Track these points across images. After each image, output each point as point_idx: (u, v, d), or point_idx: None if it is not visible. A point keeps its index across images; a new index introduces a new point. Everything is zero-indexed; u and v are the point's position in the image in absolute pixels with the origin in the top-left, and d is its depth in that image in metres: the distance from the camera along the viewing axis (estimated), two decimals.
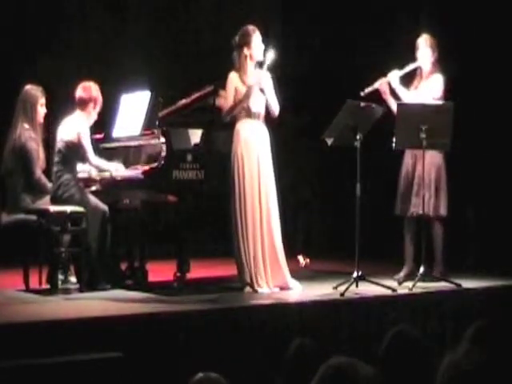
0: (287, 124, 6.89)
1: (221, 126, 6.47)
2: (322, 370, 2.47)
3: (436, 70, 6.91)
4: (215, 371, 2.94)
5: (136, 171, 6.39)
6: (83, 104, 6.43)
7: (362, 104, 6.38)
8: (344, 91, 6.83)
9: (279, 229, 6.38)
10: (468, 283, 6.60)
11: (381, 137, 6.66)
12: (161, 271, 6.82)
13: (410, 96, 6.84)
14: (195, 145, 6.50)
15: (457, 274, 6.80)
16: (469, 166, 7.18)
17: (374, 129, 6.47)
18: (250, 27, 6.39)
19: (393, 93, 6.84)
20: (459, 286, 6.49)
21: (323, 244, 8.88)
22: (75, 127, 6.37)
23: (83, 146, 6.35)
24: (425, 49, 6.91)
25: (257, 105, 6.35)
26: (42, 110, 6.64)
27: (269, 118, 6.44)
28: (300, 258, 7.80)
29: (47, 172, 6.57)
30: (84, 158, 6.41)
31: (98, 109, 6.49)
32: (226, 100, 6.39)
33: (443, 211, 6.86)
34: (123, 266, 6.75)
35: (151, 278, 6.73)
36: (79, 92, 6.45)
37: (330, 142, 6.51)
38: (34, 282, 6.38)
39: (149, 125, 6.53)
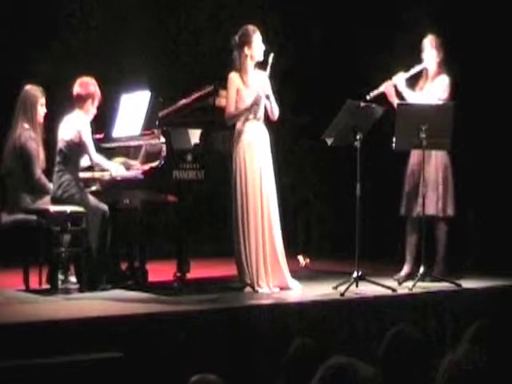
0: (287, 124, 6.88)
1: (221, 126, 6.47)
2: (322, 370, 2.47)
3: (442, 71, 6.91)
4: (215, 371, 2.94)
5: (136, 171, 6.39)
6: (81, 100, 6.42)
7: (362, 104, 6.38)
8: (344, 91, 6.84)
9: (279, 229, 6.38)
10: (468, 283, 6.60)
11: (381, 137, 6.66)
12: (161, 271, 6.82)
13: (415, 98, 6.84)
14: (195, 145, 6.50)
15: (457, 274, 6.80)
16: (469, 166, 7.18)
17: (374, 129, 6.47)
18: (251, 27, 6.39)
19: (398, 95, 6.84)
20: (459, 285, 6.49)
21: (323, 244, 8.88)
22: (75, 125, 6.36)
23: (85, 142, 6.34)
24: (430, 50, 6.90)
25: (260, 108, 6.35)
26: (41, 110, 6.64)
27: (269, 119, 6.44)
28: (300, 257, 7.80)
29: (47, 172, 6.57)
30: (86, 155, 6.40)
31: (96, 103, 6.47)
32: (227, 101, 6.36)
33: (451, 212, 6.87)
34: (123, 266, 6.75)
35: (151, 278, 6.73)
36: (76, 88, 6.44)
37: (329, 142, 6.51)
38: (33, 282, 6.38)
39: (149, 125, 6.53)
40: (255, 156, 6.32)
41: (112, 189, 6.56)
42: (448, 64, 6.93)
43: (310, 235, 8.87)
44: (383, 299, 6.11)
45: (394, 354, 3.02)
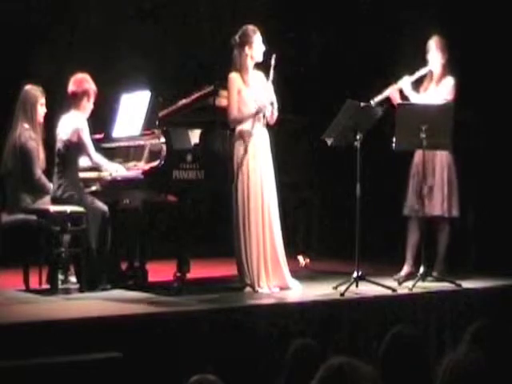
0: (287, 124, 6.88)
1: (221, 126, 6.46)
2: (322, 370, 2.47)
3: (447, 73, 6.91)
4: (215, 371, 2.94)
5: (136, 171, 6.39)
6: (77, 98, 6.40)
7: (362, 104, 6.38)
8: (344, 91, 6.84)
9: (280, 229, 6.38)
10: (468, 283, 6.60)
11: (381, 137, 6.66)
12: (161, 271, 6.81)
13: (421, 100, 6.83)
14: (195, 145, 6.50)
15: (457, 274, 6.80)
16: (469, 166, 7.17)
17: (374, 129, 6.48)
18: (251, 27, 6.38)
19: (403, 99, 6.83)
20: (459, 285, 6.50)
21: (323, 244, 8.87)
22: (73, 126, 6.34)
23: (83, 142, 6.34)
24: (435, 51, 6.90)
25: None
26: (41, 110, 6.64)
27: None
28: (300, 258, 7.80)
29: (47, 172, 6.57)
30: (85, 154, 6.40)
31: (92, 99, 6.46)
32: (229, 103, 6.34)
33: (455, 212, 6.89)
34: (123, 266, 6.75)
35: (151, 278, 6.73)
36: (71, 87, 6.43)
37: (329, 142, 6.52)
38: (34, 282, 6.38)
39: (149, 125, 6.53)
40: (256, 156, 6.32)
41: (112, 189, 6.56)
42: (453, 65, 6.92)
43: (310, 235, 8.86)
44: (383, 299, 6.11)
45: (394, 354, 3.02)
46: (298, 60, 8.76)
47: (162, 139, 6.29)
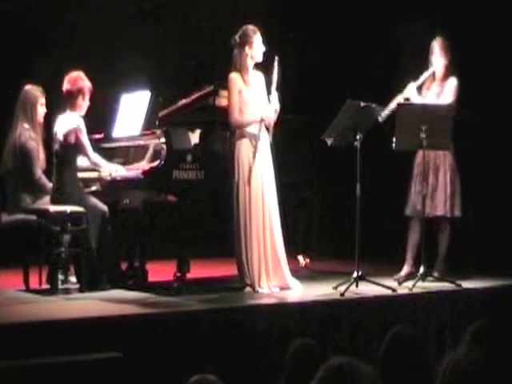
0: (287, 124, 6.88)
1: (221, 126, 6.46)
2: (322, 370, 2.47)
3: (450, 73, 6.91)
4: (215, 371, 2.94)
5: (136, 171, 6.39)
6: (72, 97, 6.39)
7: (362, 104, 6.38)
8: (344, 91, 6.84)
9: (280, 229, 6.38)
10: (468, 283, 6.60)
11: (381, 137, 6.66)
12: (161, 271, 6.81)
13: (425, 100, 6.84)
14: (195, 145, 6.50)
15: (457, 274, 6.80)
16: (468, 166, 7.17)
17: (374, 129, 6.48)
18: (251, 27, 6.38)
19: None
20: (459, 285, 6.50)
21: (323, 244, 8.87)
22: (69, 126, 6.33)
23: (81, 142, 6.33)
24: (438, 52, 6.89)
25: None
26: (41, 110, 6.64)
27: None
28: (300, 257, 7.80)
29: (47, 172, 6.57)
30: (83, 155, 6.39)
31: (88, 97, 6.44)
32: (230, 105, 6.32)
33: (458, 212, 6.89)
34: (123, 266, 6.75)
35: (151, 278, 6.73)
36: (66, 85, 6.42)
37: (329, 142, 6.52)
38: (34, 282, 6.38)
39: (149, 125, 6.53)
40: (256, 156, 6.31)
41: (112, 189, 6.56)
42: (456, 65, 6.92)
43: (310, 235, 8.86)
44: (383, 299, 6.11)
45: (394, 354, 3.02)
46: (298, 60, 8.75)
47: (162, 139, 6.29)
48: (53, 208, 6.27)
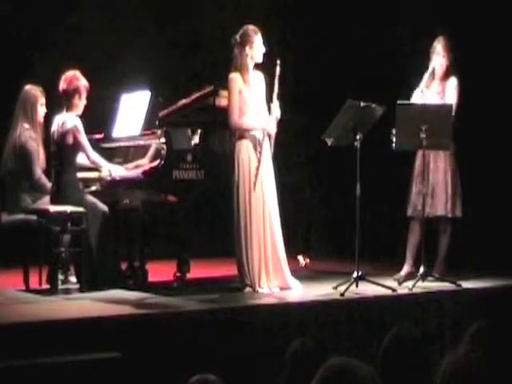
0: (287, 124, 6.88)
1: (220, 126, 6.46)
2: (322, 370, 2.47)
3: (450, 73, 6.91)
4: (215, 371, 2.94)
5: (136, 171, 6.39)
6: (68, 96, 6.38)
7: (362, 104, 6.38)
8: (344, 91, 6.83)
9: (280, 229, 6.38)
10: (468, 283, 6.60)
11: (381, 137, 6.66)
12: (161, 271, 6.81)
13: (426, 99, 6.85)
14: (195, 145, 6.50)
15: (457, 274, 6.80)
16: (468, 166, 7.17)
17: (373, 129, 6.47)
18: (252, 27, 6.37)
19: None
20: (459, 285, 6.50)
21: (323, 244, 8.87)
22: (67, 126, 6.32)
23: (80, 142, 6.33)
24: (441, 52, 6.89)
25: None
26: (41, 110, 6.65)
27: None
28: (300, 257, 7.79)
29: (47, 172, 6.57)
30: (83, 153, 6.38)
31: (84, 96, 6.43)
32: (230, 105, 6.30)
33: (459, 212, 6.90)
34: (123, 266, 6.75)
35: (151, 278, 6.72)
36: (62, 84, 6.41)
37: (329, 142, 6.52)
38: (34, 282, 6.38)
39: (149, 125, 6.53)
40: (256, 156, 6.31)
41: (112, 189, 6.56)
42: (456, 65, 6.92)
43: (310, 235, 8.86)
44: (383, 299, 6.11)
45: (394, 354, 3.02)
46: (298, 60, 8.76)
47: (162, 139, 6.29)
48: (53, 208, 6.26)
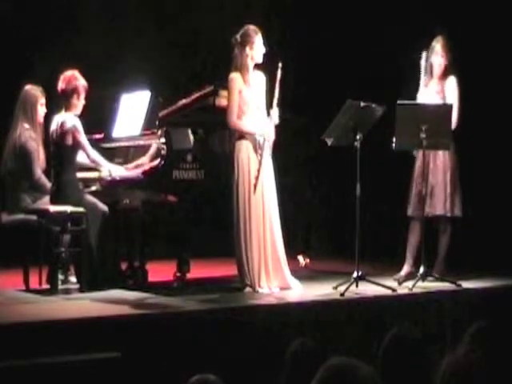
0: (287, 124, 6.88)
1: (220, 126, 6.46)
2: (322, 370, 2.47)
3: (449, 72, 6.92)
4: (215, 371, 2.94)
5: (136, 171, 6.39)
6: (67, 97, 6.38)
7: (362, 104, 6.38)
8: (344, 91, 6.83)
9: (280, 229, 6.38)
10: (468, 283, 6.60)
11: (381, 137, 6.66)
12: (161, 271, 6.82)
13: (424, 97, 6.86)
14: (195, 145, 6.50)
15: (457, 274, 6.80)
16: (468, 166, 7.17)
17: (374, 129, 6.48)
18: (252, 27, 6.37)
19: None
20: (459, 285, 6.50)
21: (323, 244, 8.87)
22: (66, 126, 6.32)
23: (79, 141, 6.33)
24: (440, 51, 6.89)
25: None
26: (41, 110, 6.65)
27: None
28: (300, 257, 7.80)
29: (47, 172, 6.57)
30: (83, 152, 6.38)
31: (83, 95, 6.43)
32: (229, 105, 6.30)
33: (458, 212, 6.90)
34: (123, 266, 6.75)
35: (151, 278, 6.72)
36: (60, 84, 6.41)
37: (329, 142, 6.52)
38: (34, 282, 6.38)
39: (149, 125, 6.53)
40: (256, 156, 6.31)
41: (112, 189, 6.56)
42: (455, 64, 6.93)
43: (310, 235, 8.86)
44: (383, 299, 6.11)
45: (394, 354, 3.02)
46: (299, 60, 8.76)
47: (162, 139, 6.29)
48: (53, 208, 6.26)
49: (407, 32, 7.77)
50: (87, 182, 6.62)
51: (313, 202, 8.66)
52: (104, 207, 6.37)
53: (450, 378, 2.51)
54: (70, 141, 6.33)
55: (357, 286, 6.24)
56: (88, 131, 6.48)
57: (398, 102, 6.68)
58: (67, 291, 6.32)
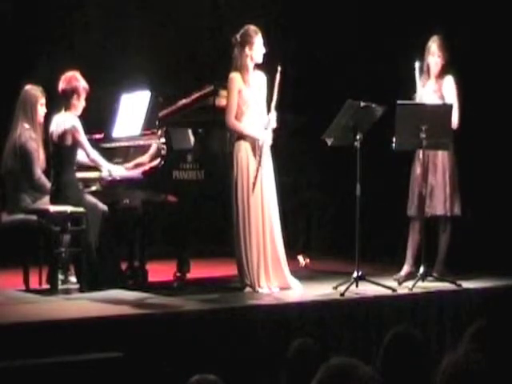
0: (287, 124, 6.88)
1: (220, 126, 6.46)
2: (322, 370, 2.47)
3: (446, 72, 6.91)
4: (215, 371, 2.94)
5: (136, 171, 6.39)
6: (67, 96, 6.38)
7: (362, 104, 6.37)
8: (344, 91, 6.83)
9: (280, 229, 6.38)
10: (468, 283, 6.60)
11: (381, 137, 6.66)
12: (161, 271, 6.82)
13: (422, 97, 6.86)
14: (195, 145, 6.50)
15: (457, 274, 6.80)
16: (468, 165, 7.18)
17: (373, 129, 6.48)
18: (253, 27, 6.36)
19: None
20: (459, 285, 6.50)
21: (323, 244, 8.87)
22: (65, 126, 6.31)
23: (79, 141, 6.32)
24: (436, 51, 6.89)
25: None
26: (42, 110, 6.64)
27: None
28: (300, 257, 7.80)
29: (47, 172, 6.56)
30: (83, 151, 6.38)
31: (83, 97, 6.43)
32: (228, 105, 6.30)
33: (457, 211, 6.90)
34: (123, 266, 6.75)
35: (151, 278, 6.72)
36: (61, 84, 6.41)
37: (329, 142, 6.52)
38: (34, 282, 6.38)
39: (149, 125, 6.53)
40: (254, 158, 6.31)
41: (112, 189, 6.56)
42: (452, 64, 6.93)
43: (310, 235, 8.87)
44: (383, 299, 6.11)
45: (394, 354, 3.02)
46: (298, 60, 8.76)
47: (162, 139, 6.29)
48: (53, 208, 6.26)
49: (407, 32, 7.77)
50: (87, 182, 6.62)
51: (313, 202, 8.66)
52: (103, 207, 6.37)
53: (449, 377, 2.51)
54: (69, 141, 6.33)
55: (357, 285, 6.24)
56: (88, 131, 6.48)
57: (398, 101, 6.68)
58: (67, 291, 6.32)
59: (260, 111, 6.37)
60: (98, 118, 6.90)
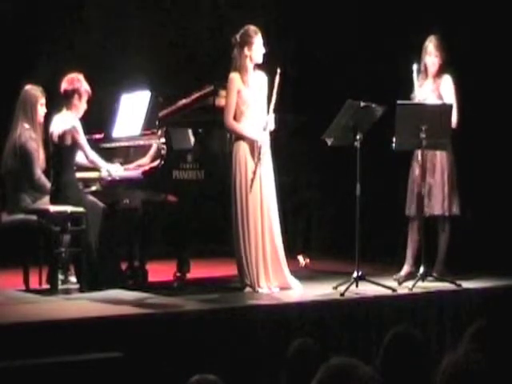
0: (287, 124, 6.88)
1: (220, 126, 6.46)
2: (322, 370, 2.47)
3: (443, 72, 6.92)
4: (215, 371, 2.95)
5: (136, 171, 6.39)
6: (68, 97, 6.39)
7: (362, 104, 6.37)
8: (344, 91, 6.83)
9: (279, 229, 6.38)
10: (468, 283, 6.60)
11: (381, 137, 6.66)
12: (161, 271, 6.82)
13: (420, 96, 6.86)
14: (195, 145, 6.50)
15: (457, 274, 6.80)
16: (467, 165, 7.18)
17: (373, 129, 6.48)
18: (252, 28, 6.36)
19: None
20: (459, 285, 6.50)
21: (323, 244, 8.88)
22: (65, 126, 6.31)
23: (79, 142, 6.33)
24: (433, 51, 6.89)
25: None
26: (42, 110, 6.65)
27: None
28: (300, 257, 7.80)
29: (47, 172, 6.57)
30: (82, 152, 6.38)
31: (85, 98, 6.44)
32: (227, 105, 6.30)
33: (456, 210, 6.90)
34: (123, 266, 6.75)
35: (151, 278, 6.72)
36: (63, 85, 6.42)
37: (329, 142, 6.52)
38: (34, 282, 6.38)
39: (149, 125, 6.53)
40: (252, 159, 6.30)
41: (112, 189, 6.56)
42: (449, 64, 6.93)
43: (310, 235, 8.87)
44: (383, 299, 6.11)
45: (394, 354, 3.02)
46: (298, 60, 8.76)
47: (162, 139, 6.29)
48: (53, 208, 6.26)
49: (407, 32, 7.77)
50: (87, 182, 6.62)
51: (313, 202, 8.66)
52: (103, 207, 6.36)
53: (449, 377, 2.51)
54: (69, 141, 6.33)
55: (357, 286, 6.23)
56: (88, 131, 6.48)
57: (398, 101, 6.68)
58: (67, 291, 6.32)
59: (260, 111, 6.37)
60: (98, 118, 6.90)
